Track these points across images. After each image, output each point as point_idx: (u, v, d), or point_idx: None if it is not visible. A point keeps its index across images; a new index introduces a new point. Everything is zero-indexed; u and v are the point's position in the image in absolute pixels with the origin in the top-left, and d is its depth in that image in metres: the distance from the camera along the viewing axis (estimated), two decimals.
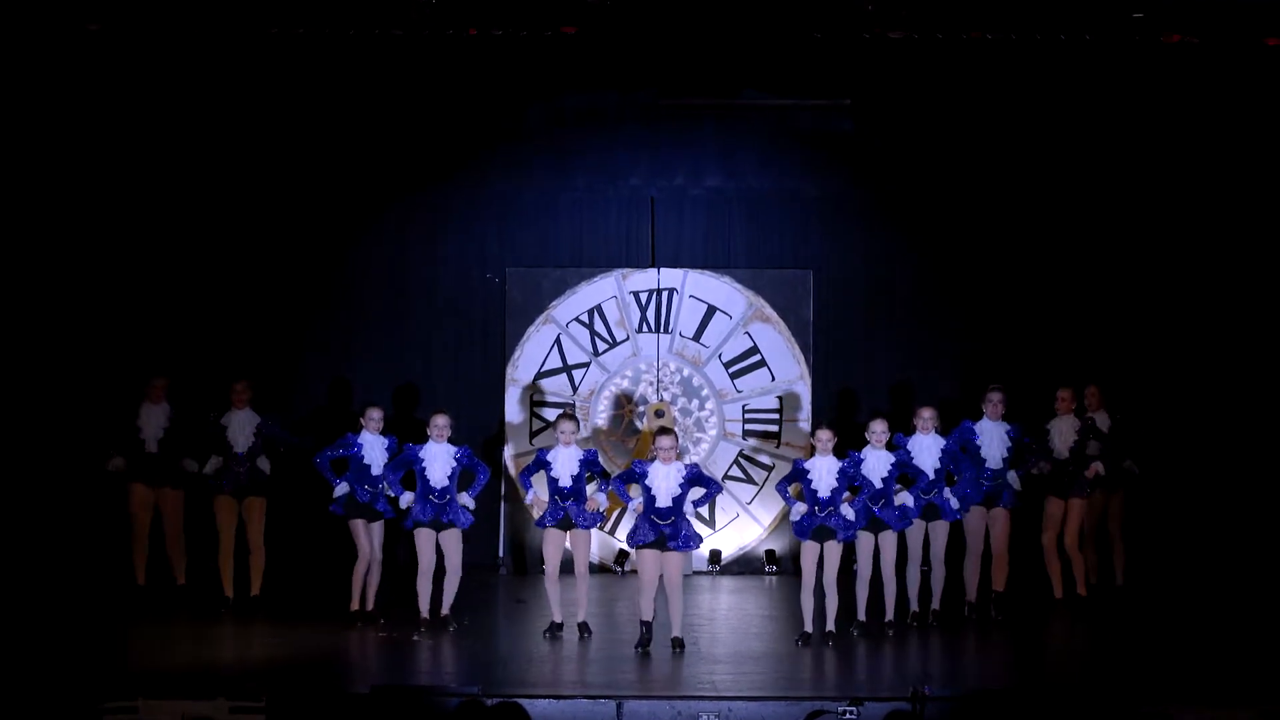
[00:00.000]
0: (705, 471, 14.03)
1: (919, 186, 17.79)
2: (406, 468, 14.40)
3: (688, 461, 14.01)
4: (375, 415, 14.73)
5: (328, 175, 17.55)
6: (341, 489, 14.66)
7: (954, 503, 14.63)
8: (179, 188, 17.43)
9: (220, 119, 17.33)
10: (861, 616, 14.25)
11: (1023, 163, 17.66)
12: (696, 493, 13.75)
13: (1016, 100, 17.48)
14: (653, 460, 13.69)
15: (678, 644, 13.53)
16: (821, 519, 13.80)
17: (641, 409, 17.59)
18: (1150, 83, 17.30)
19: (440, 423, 14.30)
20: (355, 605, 14.70)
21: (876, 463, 14.14)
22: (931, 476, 14.55)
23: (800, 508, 13.84)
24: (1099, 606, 15.55)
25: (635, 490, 13.82)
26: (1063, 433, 15.46)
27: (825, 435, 13.89)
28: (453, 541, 14.32)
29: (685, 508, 13.66)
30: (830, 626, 13.86)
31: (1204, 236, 17.61)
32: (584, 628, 14.12)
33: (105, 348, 17.21)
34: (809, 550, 13.86)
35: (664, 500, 13.57)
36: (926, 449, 14.57)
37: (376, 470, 14.61)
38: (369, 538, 14.71)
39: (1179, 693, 11.93)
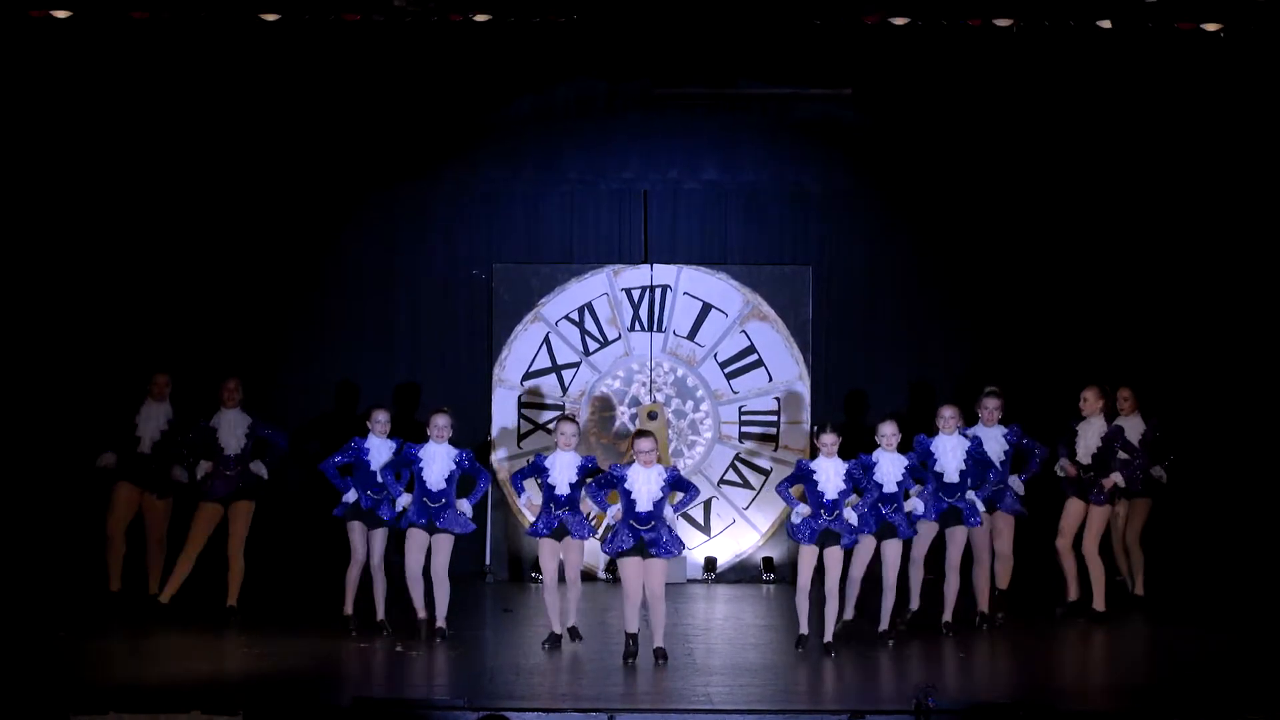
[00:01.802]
0: (684, 475, 13.88)
1: (922, 179, 17.62)
2: (405, 468, 14.17)
3: (670, 466, 13.80)
4: (381, 418, 14.52)
5: (309, 168, 17.37)
6: (351, 496, 14.43)
7: (980, 505, 14.31)
8: (162, 181, 17.26)
9: (203, 111, 17.16)
10: (849, 615, 14.15)
11: (1031, 155, 17.51)
12: (676, 497, 13.56)
13: (1025, 90, 17.34)
14: (630, 464, 13.43)
15: (660, 655, 13.29)
16: (826, 523, 13.44)
17: (633, 411, 17.27)
18: (1164, 71, 17.17)
19: (440, 423, 14.08)
20: (349, 609, 14.44)
21: (890, 466, 13.93)
22: (956, 479, 14.22)
23: (803, 510, 13.49)
24: (1116, 617, 15.29)
25: (613, 497, 13.59)
26: (1087, 437, 15.07)
27: (830, 439, 13.64)
28: (443, 547, 14.05)
29: (665, 512, 13.40)
30: (829, 637, 13.57)
31: (1220, 230, 17.43)
32: (574, 632, 13.90)
33: (98, 346, 17.06)
34: (808, 555, 13.55)
35: (644, 505, 13.35)
36: (951, 450, 14.34)
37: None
38: (364, 543, 14.46)
39: (1196, 710, 11.70)
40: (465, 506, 14.09)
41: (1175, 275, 17.45)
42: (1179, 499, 16.55)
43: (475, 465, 14.16)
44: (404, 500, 14.14)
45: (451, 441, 14.09)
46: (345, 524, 14.47)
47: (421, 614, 14.06)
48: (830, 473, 13.55)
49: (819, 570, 13.61)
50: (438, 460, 14.01)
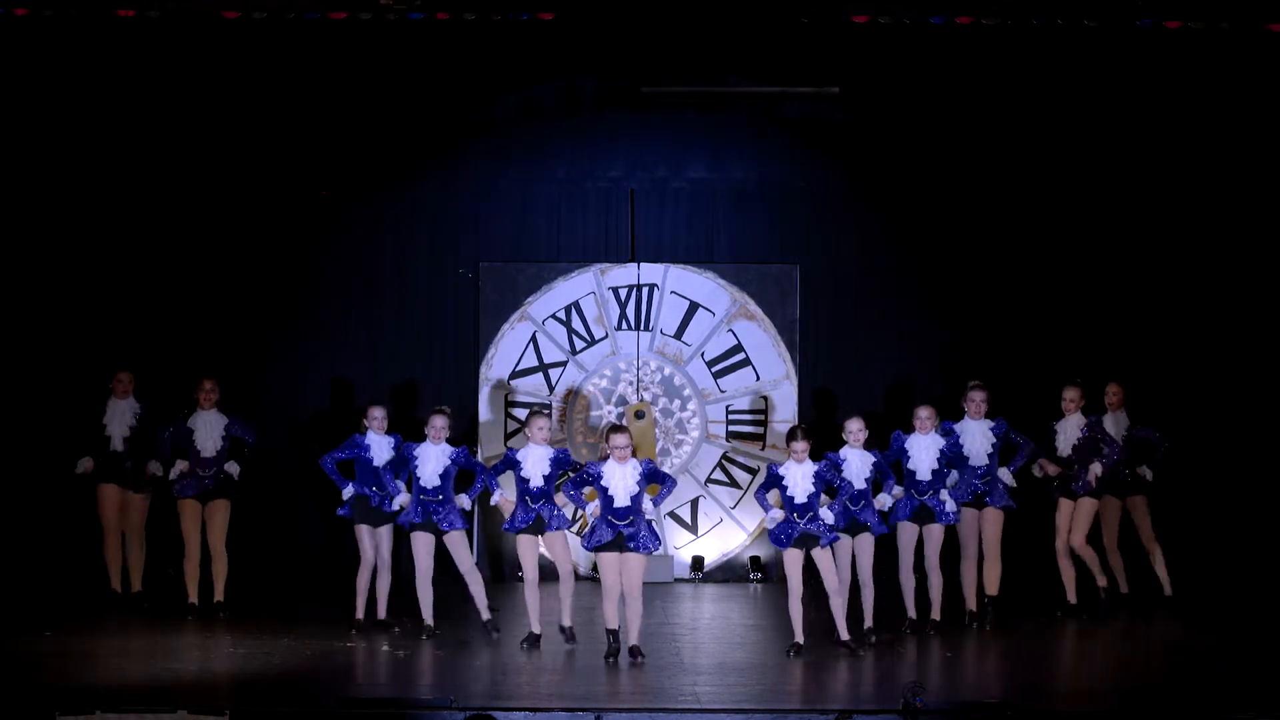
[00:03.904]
0: (660, 468, 13.84)
1: (910, 178, 17.55)
2: (403, 467, 14.21)
3: (645, 459, 13.68)
4: (378, 414, 14.54)
5: (296, 165, 17.30)
6: (349, 492, 14.41)
7: (950, 505, 14.25)
8: (151, 181, 17.18)
9: (191, 111, 17.06)
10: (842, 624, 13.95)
11: (1019, 153, 17.45)
12: (656, 491, 13.50)
13: (1012, 88, 17.26)
14: (605, 460, 13.38)
15: (636, 654, 13.24)
16: (803, 526, 13.38)
17: (621, 410, 17.19)
18: (1151, 69, 17.09)
19: (439, 424, 14.11)
20: (360, 614, 14.43)
21: (858, 463, 13.89)
22: (929, 478, 14.20)
23: (777, 514, 13.44)
24: (1110, 615, 15.27)
25: (591, 494, 13.56)
26: (1067, 433, 15.10)
27: (801, 446, 13.54)
28: (459, 546, 14.11)
29: (645, 507, 13.32)
30: (845, 636, 13.54)
31: (1206, 227, 17.37)
32: (569, 633, 13.82)
33: (88, 349, 16.90)
34: (792, 559, 13.45)
35: (622, 500, 13.30)
36: (925, 448, 14.29)
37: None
38: (373, 543, 14.45)
39: (1187, 709, 11.66)
40: (465, 502, 14.10)
41: (1164, 273, 17.37)
42: (1174, 497, 16.50)
43: (472, 461, 14.22)
44: (402, 498, 14.16)
45: (450, 440, 14.13)
46: (353, 527, 14.45)
47: (428, 619, 14.05)
48: (799, 476, 13.50)
49: (810, 572, 13.55)
50: (432, 459, 14.02)
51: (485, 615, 14.13)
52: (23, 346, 16.95)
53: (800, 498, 13.48)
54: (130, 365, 15.71)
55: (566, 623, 13.85)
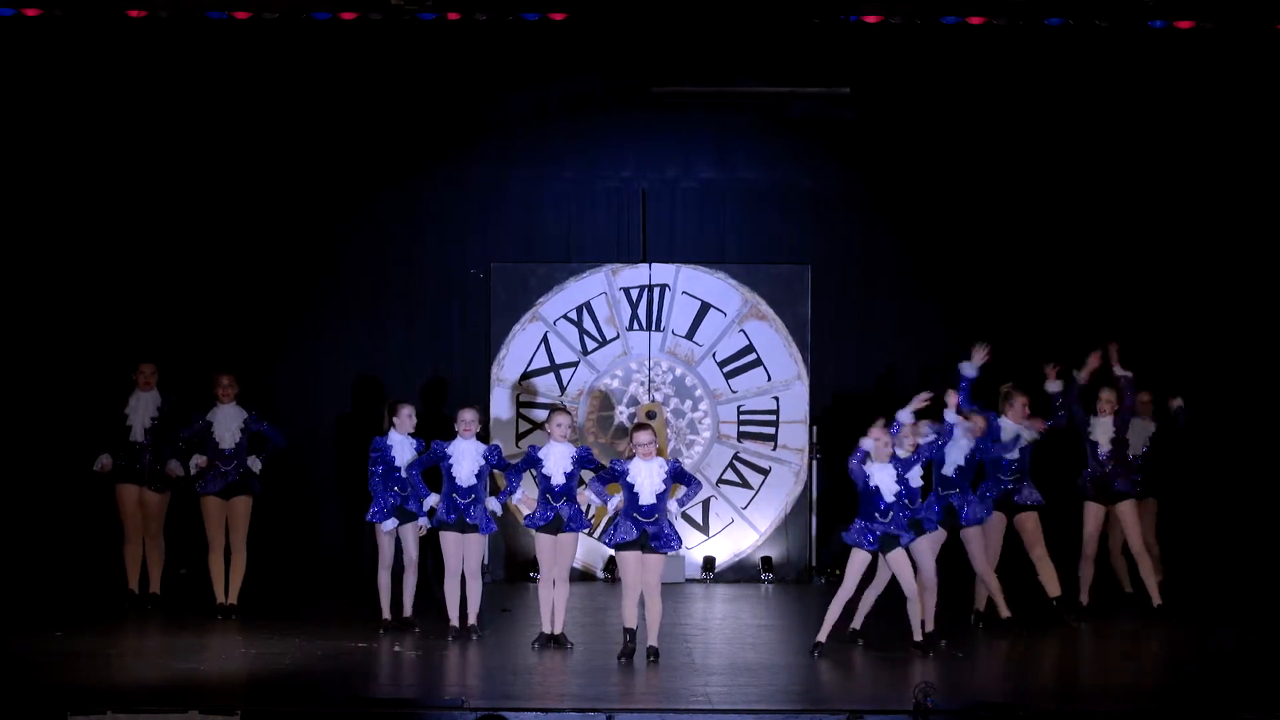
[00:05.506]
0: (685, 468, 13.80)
1: (921, 178, 17.56)
2: (431, 465, 14.08)
3: (671, 458, 13.70)
4: (406, 413, 14.40)
5: (306, 166, 17.31)
6: (391, 524, 14.30)
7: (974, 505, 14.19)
8: (161, 181, 17.21)
9: (203, 111, 17.12)
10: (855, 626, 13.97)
11: (1030, 154, 17.45)
12: (679, 491, 13.47)
13: (1022, 89, 17.31)
14: (631, 458, 13.36)
15: (653, 654, 13.20)
16: (884, 527, 13.33)
17: (632, 410, 17.20)
18: (1161, 70, 17.13)
19: (468, 418, 13.98)
20: (387, 614, 14.39)
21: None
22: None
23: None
24: (1114, 616, 15.29)
25: (614, 489, 13.53)
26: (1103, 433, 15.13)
27: (878, 434, 13.37)
28: (474, 547, 14.06)
29: (670, 507, 13.32)
30: (919, 637, 13.47)
31: (1215, 227, 17.37)
32: (562, 639, 13.73)
33: (93, 348, 16.95)
34: (860, 560, 13.42)
35: (648, 497, 13.27)
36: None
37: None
38: (392, 544, 14.39)
39: (1194, 709, 11.65)
40: (495, 505, 14.03)
41: (1177, 273, 17.38)
42: (1177, 498, 16.48)
43: (504, 461, 14.14)
44: (431, 500, 14.08)
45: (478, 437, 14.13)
46: (375, 525, 14.38)
47: (454, 620, 14.00)
48: (883, 476, 13.29)
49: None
50: (468, 457, 13.91)
51: (472, 620, 14.06)
52: (44, 344, 16.97)
53: (888, 496, 13.34)
54: (143, 362, 15.67)
55: (558, 629, 13.70)
